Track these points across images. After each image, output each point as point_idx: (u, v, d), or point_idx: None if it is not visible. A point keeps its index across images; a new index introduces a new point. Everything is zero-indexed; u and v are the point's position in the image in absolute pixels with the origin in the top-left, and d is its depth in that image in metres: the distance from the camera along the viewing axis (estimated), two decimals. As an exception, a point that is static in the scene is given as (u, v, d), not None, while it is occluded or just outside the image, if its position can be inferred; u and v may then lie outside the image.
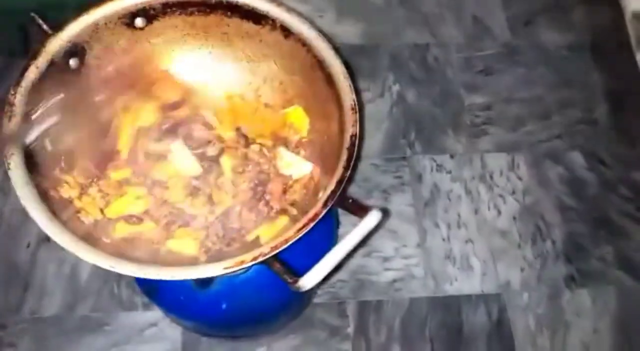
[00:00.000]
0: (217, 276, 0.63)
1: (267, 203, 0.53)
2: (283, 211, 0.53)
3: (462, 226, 0.95)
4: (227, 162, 0.55)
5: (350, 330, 0.87)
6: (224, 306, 0.64)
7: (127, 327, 0.84)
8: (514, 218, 0.96)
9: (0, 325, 0.82)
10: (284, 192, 0.54)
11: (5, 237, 0.88)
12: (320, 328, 0.86)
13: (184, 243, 0.50)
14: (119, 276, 0.86)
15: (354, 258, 0.91)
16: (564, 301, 0.91)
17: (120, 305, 0.85)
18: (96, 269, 0.86)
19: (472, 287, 0.91)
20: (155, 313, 0.84)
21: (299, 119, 0.57)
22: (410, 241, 0.94)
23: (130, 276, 0.84)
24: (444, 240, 0.94)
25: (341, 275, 0.90)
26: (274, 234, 0.49)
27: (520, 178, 0.99)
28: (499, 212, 0.97)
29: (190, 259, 0.50)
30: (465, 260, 0.93)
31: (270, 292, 0.64)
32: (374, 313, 0.88)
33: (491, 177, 0.99)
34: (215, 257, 0.49)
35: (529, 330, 0.89)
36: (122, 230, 0.51)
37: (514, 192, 0.98)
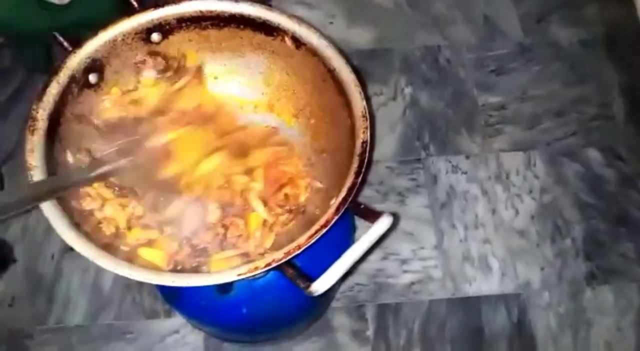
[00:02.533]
0: (236, 282, 0.64)
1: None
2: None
3: (479, 226, 0.95)
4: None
5: (369, 333, 0.87)
6: (244, 310, 0.65)
7: (150, 334, 0.85)
8: (532, 217, 0.96)
9: (27, 335, 0.85)
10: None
11: (30, 248, 0.90)
12: (340, 332, 0.87)
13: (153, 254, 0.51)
14: (141, 285, 0.87)
15: (372, 262, 0.92)
16: (585, 300, 0.90)
17: (143, 313, 0.87)
18: (118, 278, 0.88)
19: (491, 288, 0.91)
20: (177, 320, 0.86)
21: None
22: (427, 243, 0.94)
23: (152, 285, 0.86)
24: (461, 241, 0.94)
25: (359, 278, 0.90)
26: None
27: (537, 177, 0.99)
28: (517, 212, 0.96)
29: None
30: (483, 260, 0.93)
31: (290, 296, 0.65)
32: (393, 315, 0.88)
33: (507, 177, 0.99)
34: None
35: (550, 330, 0.88)
36: (135, 236, 0.52)
37: (531, 191, 0.98)
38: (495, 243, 0.94)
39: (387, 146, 1.00)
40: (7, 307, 0.86)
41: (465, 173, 0.99)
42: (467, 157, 1.00)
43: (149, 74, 0.57)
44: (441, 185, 0.98)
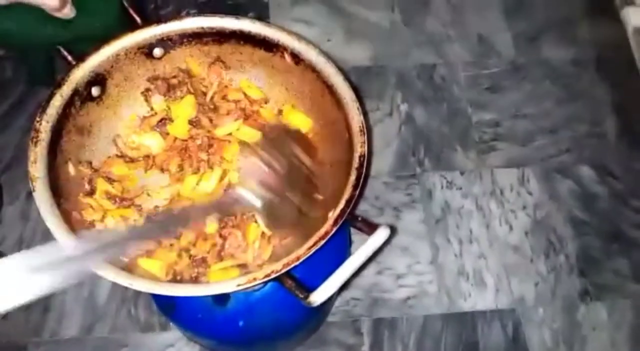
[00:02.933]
0: (233, 294, 0.65)
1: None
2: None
3: (474, 242, 0.96)
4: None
5: (365, 347, 0.87)
6: (240, 323, 0.65)
7: (145, 348, 0.85)
8: (526, 233, 0.97)
9: (22, 347, 0.84)
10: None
11: (26, 261, 0.90)
12: (335, 347, 0.87)
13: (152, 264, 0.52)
14: (136, 298, 0.87)
15: (368, 276, 0.92)
16: (579, 315, 0.91)
17: (138, 326, 0.86)
18: (114, 291, 0.88)
19: (486, 303, 0.91)
20: (173, 334, 0.86)
21: None
22: (422, 258, 0.94)
23: (147, 297, 0.86)
24: (456, 256, 0.95)
25: (355, 293, 0.91)
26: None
27: (530, 193, 1.00)
28: (511, 227, 0.97)
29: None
30: (478, 275, 0.93)
31: (286, 309, 0.65)
32: (388, 330, 0.89)
33: (502, 193, 1.00)
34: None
35: (545, 345, 0.89)
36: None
37: (525, 207, 0.99)
38: (490, 259, 0.95)
39: (383, 161, 1.02)
40: (2, 320, 0.85)
41: (460, 189, 1.00)
42: (462, 173, 1.01)
43: (157, 98, 0.58)
44: (436, 200, 0.99)
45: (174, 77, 0.59)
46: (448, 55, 1.13)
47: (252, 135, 0.58)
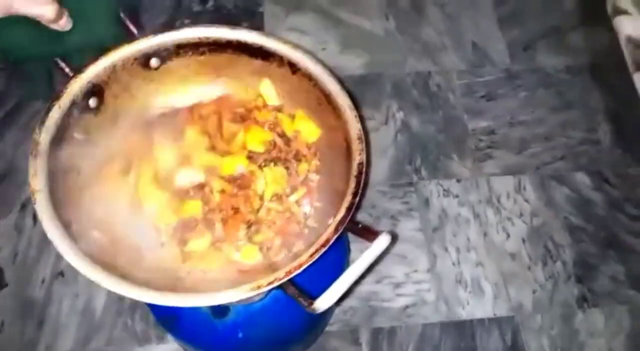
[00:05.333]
0: (233, 305, 0.64)
1: None
2: None
3: (471, 250, 0.96)
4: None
5: (364, 357, 0.87)
6: (240, 335, 0.65)
7: (142, 360, 0.84)
8: (523, 240, 0.97)
9: (17, 362, 0.83)
10: None
11: (21, 273, 0.89)
12: (334, 356, 0.86)
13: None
14: (133, 310, 0.87)
15: (366, 285, 0.92)
16: (577, 322, 0.91)
17: (135, 339, 0.86)
18: (110, 303, 0.87)
19: (484, 311, 0.91)
20: (169, 346, 0.85)
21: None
22: (420, 266, 0.94)
23: (144, 310, 0.86)
24: (454, 264, 0.95)
25: (353, 302, 0.90)
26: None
27: (527, 201, 1.00)
28: (508, 235, 0.97)
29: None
30: (476, 283, 0.93)
31: (285, 320, 0.65)
32: (387, 339, 0.88)
33: (498, 200, 1.00)
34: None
35: (543, 352, 0.89)
36: None
37: (521, 214, 0.99)
38: (488, 266, 0.95)
39: (379, 170, 1.02)
40: (-3, 333, 0.85)
41: (457, 196, 1.00)
42: (459, 181, 1.02)
43: None
44: (433, 208, 0.99)
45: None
46: (443, 63, 1.13)
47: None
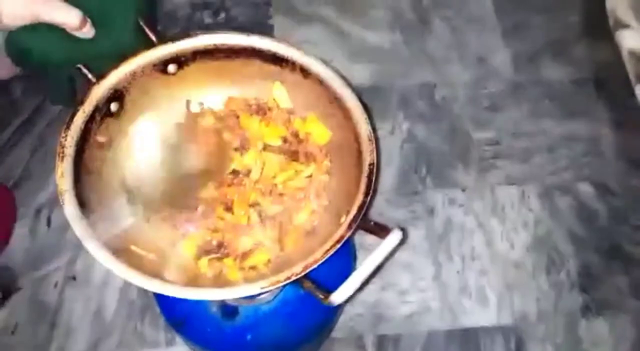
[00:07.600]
0: (242, 307, 0.66)
1: None
2: None
3: (476, 259, 0.97)
4: None
5: (369, 363, 0.87)
6: (248, 337, 0.66)
7: (150, 364, 0.85)
8: (527, 249, 0.98)
9: (28, 364, 0.84)
10: None
11: (33, 276, 0.90)
12: (340, 362, 0.87)
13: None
14: (143, 313, 0.88)
15: (371, 292, 0.93)
16: (581, 331, 0.91)
17: (144, 342, 0.87)
18: (120, 307, 0.89)
19: (489, 319, 0.92)
20: (178, 349, 0.86)
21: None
22: (425, 274, 0.95)
23: (154, 313, 0.87)
24: (458, 272, 0.96)
25: (358, 309, 0.91)
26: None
27: (531, 210, 1.01)
28: (512, 244, 0.98)
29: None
30: (480, 292, 0.94)
31: (294, 322, 0.66)
32: (392, 346, 0.89)
33: (503, 210, 1.01)
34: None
35: (548, 361, 0.89)
36: None
37: (525, 224, 1.00)
38: (492, 275, 0.96)
39: (386, 179, 1.03)
40: (10, 335, 0.86)
41: (462, 206, 1.01)
42: (463, 190, 1.03)
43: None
44: (438, 217, 1.00)
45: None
46: (448, 75, 1.15)
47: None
